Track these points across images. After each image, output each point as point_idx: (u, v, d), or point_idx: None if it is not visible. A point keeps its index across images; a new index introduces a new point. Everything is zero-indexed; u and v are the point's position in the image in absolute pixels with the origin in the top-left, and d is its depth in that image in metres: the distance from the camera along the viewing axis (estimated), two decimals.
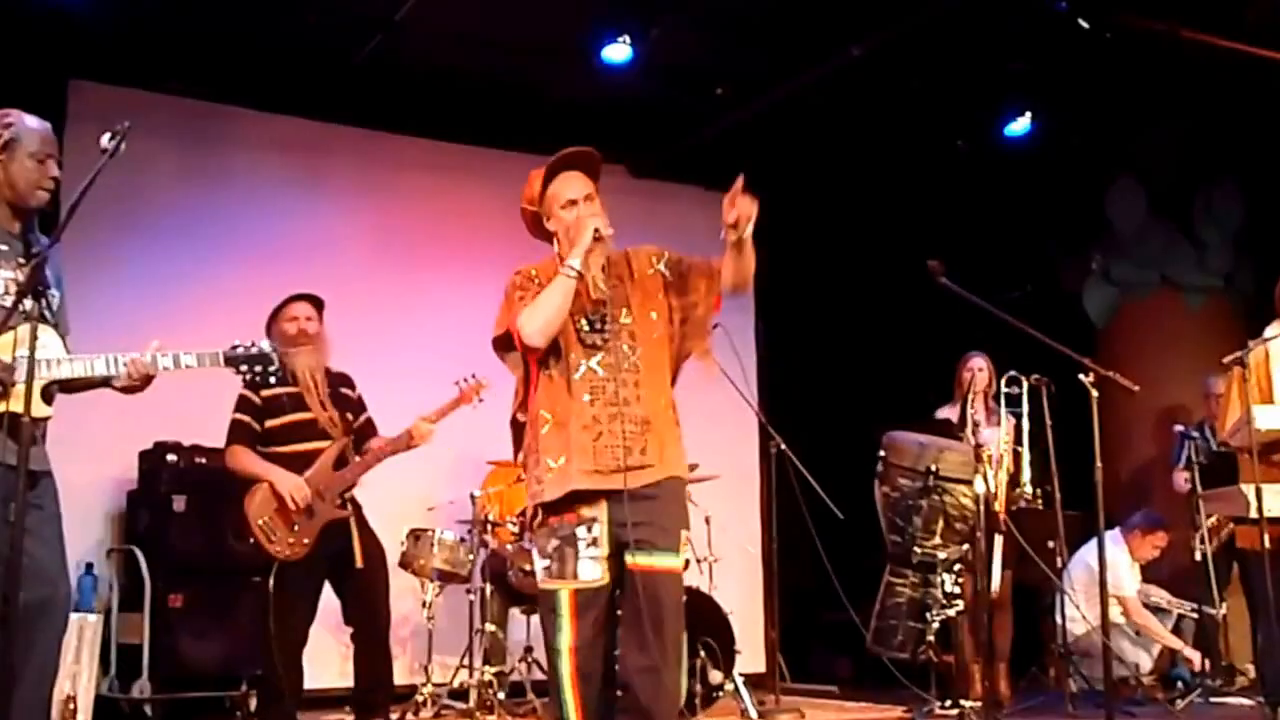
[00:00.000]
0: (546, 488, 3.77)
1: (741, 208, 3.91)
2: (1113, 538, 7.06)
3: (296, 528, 5.22)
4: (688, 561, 3.94)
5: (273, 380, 3.98)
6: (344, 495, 5.38)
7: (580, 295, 3.85)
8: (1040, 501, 7.40)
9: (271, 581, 5.21)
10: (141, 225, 7.30)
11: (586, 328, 3.86)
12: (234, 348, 3.88)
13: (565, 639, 3.72)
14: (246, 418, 5.38)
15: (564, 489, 3.73)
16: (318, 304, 5.63)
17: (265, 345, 3.91)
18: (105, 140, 3.61)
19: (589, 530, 3.73)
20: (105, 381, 3.79)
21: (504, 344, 3.96)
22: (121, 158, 3.63)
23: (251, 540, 5.25)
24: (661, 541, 3.73)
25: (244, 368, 3.89)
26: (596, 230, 3.81)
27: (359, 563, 5.30)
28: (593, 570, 3.72)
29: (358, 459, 5.45)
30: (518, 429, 3.99)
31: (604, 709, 3.72)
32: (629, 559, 3.70)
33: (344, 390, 5.57)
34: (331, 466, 5.35)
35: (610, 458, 3.71)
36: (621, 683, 3.68)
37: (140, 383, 3.79)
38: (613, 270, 3.96)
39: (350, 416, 5.54)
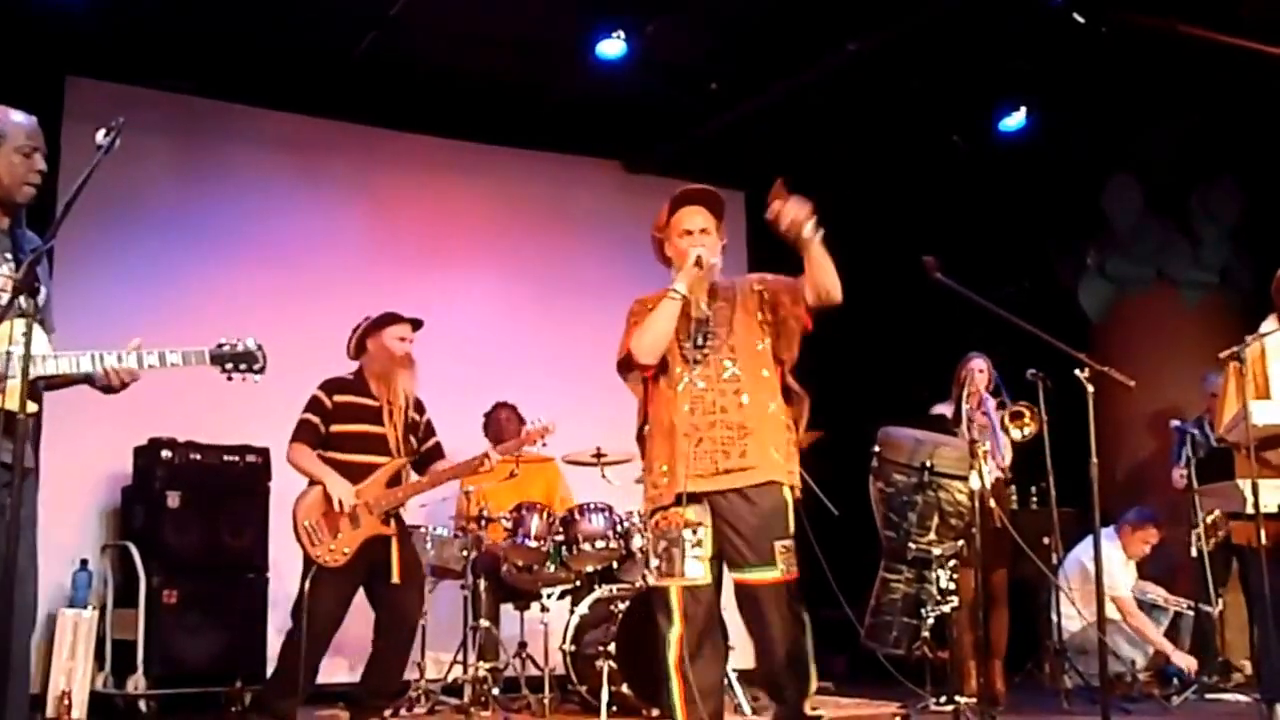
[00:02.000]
0: (661, 493, 4.13)
1: (783, 211, 4.14)
2: (1106, 535, 7.06)
3: (340, 535, 5.27)
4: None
5: (257, 378, 3.98)
6: (390, 512, 5.41)
7: (685, 316, 4.20)
8: (1035, 499, 7.42)
9: (307, 583, 5.24)
10: (137, 222, 7.30)
11: (690, 345, 4.21)
12: (219, 346, 3.87)
13: (674, 631, 4.07)
14: (315, 419, 5.43)
15: (673, 493, 4.06)
16: (418, 327, 5.67)
17: (250, 343, 3.89)
18: (100, 136, 3.59)
19: (694, 533, 4.06)
20: (86, 379, 3.76)
21: (626, 365, 4.35)
22: (117, 154, 3.62)
23: (296, 539, 5.29)
24: (753, 557, 4.05)
25: (229, 365, 3.87)
26: (698, 257, 4.16)
27: (396, 579, 5.35)
28: (697, 569, 4.06)
29: (415, 479, 5.52)
30: (643, 443, 4.36)
31: (706, 697, 4.06)
32: (730, 572, 4.10)
33: (413, 415, 5.63)
34: (385, 483, 5.40)
35: (709, 462, 4.05)
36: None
37: (119, 386, 3.75)
38: (719, 294, 4.32)
39: (414, 440, 5.60)
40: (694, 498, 4.06)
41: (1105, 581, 6.65)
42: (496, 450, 5.64)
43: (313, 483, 5.36)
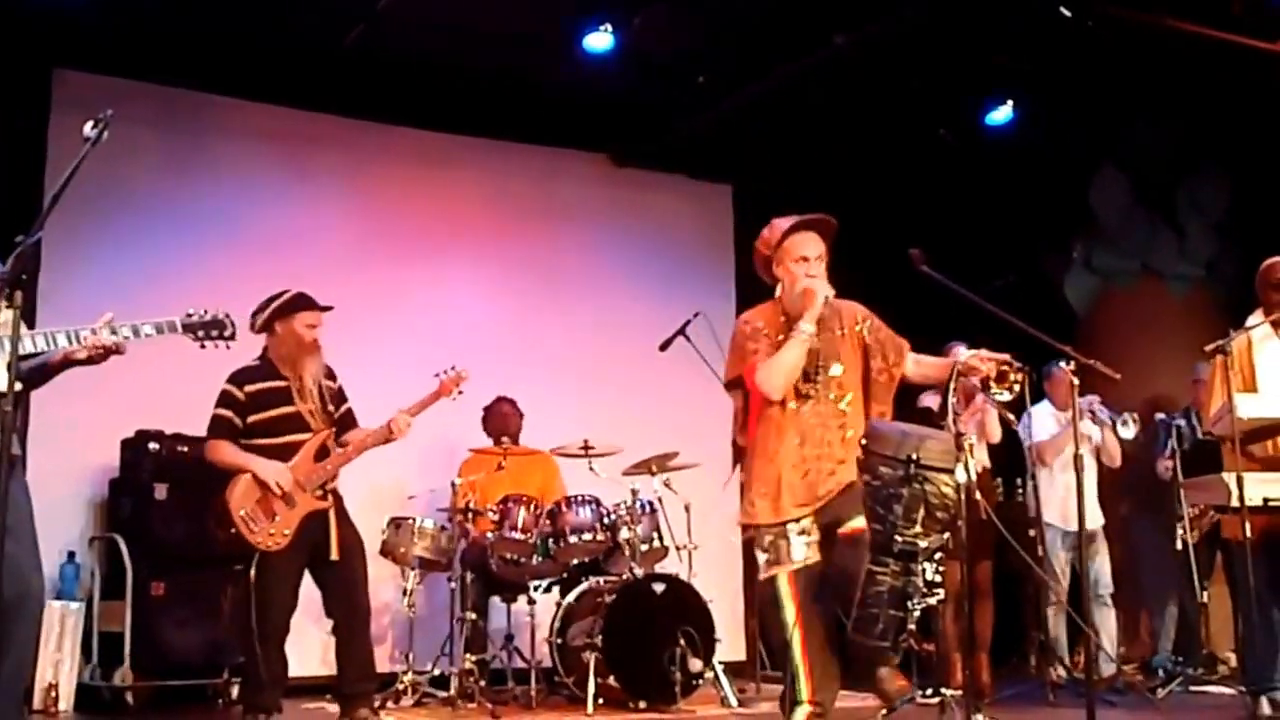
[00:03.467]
0: (759, 513, 4.38)
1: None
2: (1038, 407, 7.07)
3: (278, 518, 5.23)
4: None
5: (228, 345, 4.10)
6: (325, 487, 5.37)
7: None
8: (1021, 492, 7.44)
9: (253, 571, 5.21)
10: (125, 214, 7.28)
11: (802, 378, 4.40)
12: (189, 315, 4.00)
13: (790, 616, 4.27)
14: (228, 412, 5.37)
15: (778, 518, 4.34)
16: (327, 310, 5.61)
17: (220, 313, 4.05)
18: (88, 129, 3.60)
19: (798, 523, 4.33)
20: (66, 361, 3.78)
21: (735, 385, 4.55)
22: (105, 146, 3.63)
23: (233, 530, 5.24)
24: (852, 513, 4.30)
25: (200, 333, 4.05)
26: (826, 299, 4.39)
27: (335, 555, 5.31)
28: (802, 551, 4.32)
29: (338, 450, 5.45)
30: (739, 450, 4.60)
31: (830, 671, 4.32)
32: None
33: (326, 382, 5.56)
34: (313, 458, 5.36)
35: (812, 494, 4.32)
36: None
37: (102, 355, 3.81)
38: (825, 323, 4.47)
39: (331, 409, 5.53)
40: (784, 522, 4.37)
41: (1034, 433, 6.68)
42: (403, 411, 5.50)
43: (239, 472, 5.31)
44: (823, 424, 4.39)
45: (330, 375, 5.62)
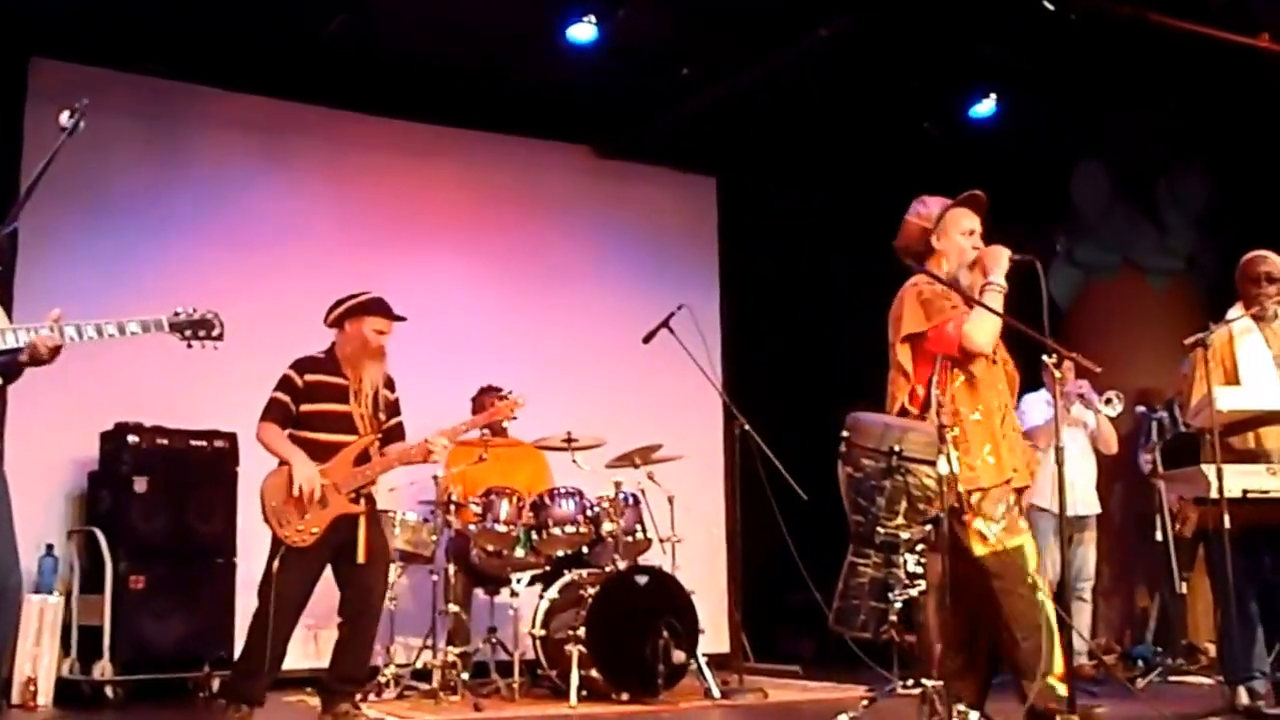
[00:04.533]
0: (981, 475, 4.39)
1: None
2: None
3: (307, 516, 5.23)
4: None
5: (217, 344, 4.02)
6: (360, 491, 5.38)
7: None
8: None
9: (276, 564, 5.21)
10: (102, 204, 7.25)
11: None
12: (176, 314, 3.93)
13: (1040, 589, 4.32)
14: (285, 397, 5.38)
15: (1001, 477, 4.40)
16: (399, 320, 5.62)
17: (208, 311, 3.97)
18: (64, 118, 3.58)
19: (1020, 495, 4.46)
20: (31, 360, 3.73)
21: (913, 339, 4.56)
22: (82, 136, 3.60)
23: (264, 519, 5.26)
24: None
25: (188, 332, 3.96)
26: (1012, 258, 4.52)
27: (361, 558, 5.32)
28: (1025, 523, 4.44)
29: (379, 458, 5.47)
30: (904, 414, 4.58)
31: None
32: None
33: (384, 391, 5.58)
34: (352, 461, 5.37)
35: (1017, 455, 4.47)
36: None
37: (48, 356, 3.73)
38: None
39: (383, 417, 5.54)
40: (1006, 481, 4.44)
41: (1028, 419, 6.68)
42: (443, 433, 5.51)
43: (281, 463, 5.34)
44: (1005, 387, 4.58)
45: (389, 385, 5.63)
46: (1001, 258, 4.54)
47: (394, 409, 5.64)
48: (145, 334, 3.86)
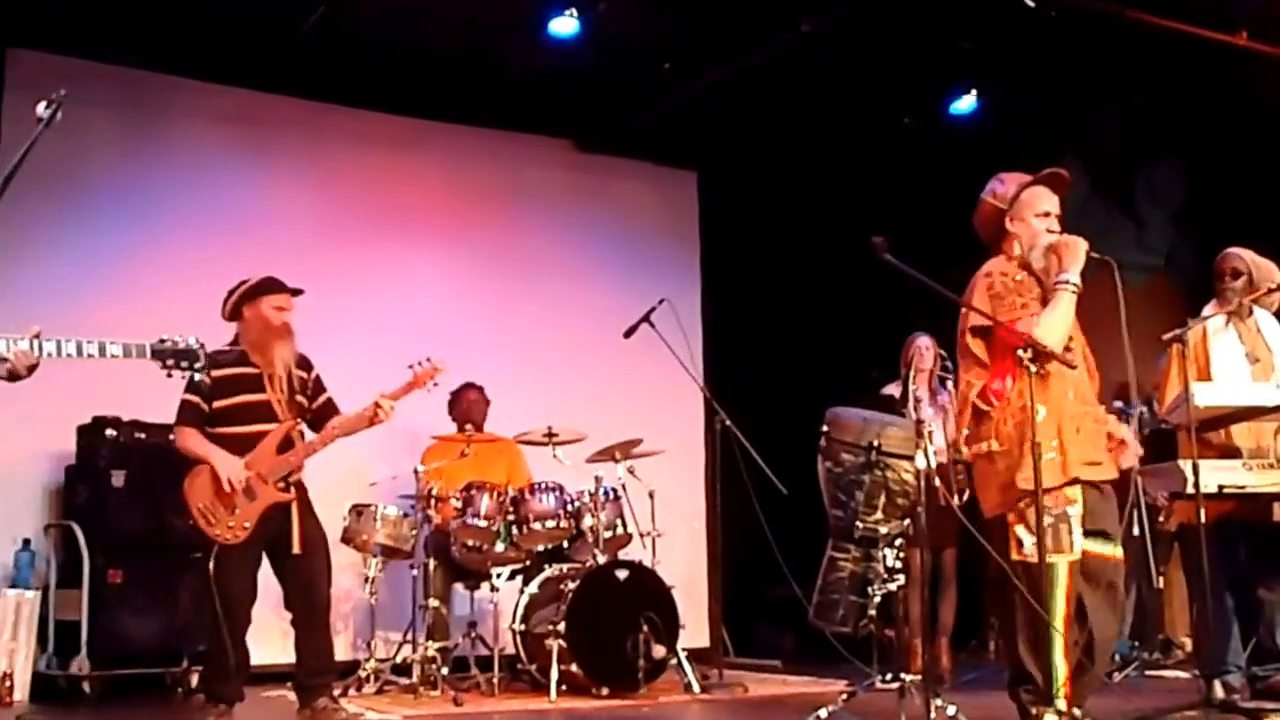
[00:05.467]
0: (1044, 472, 4.12)
1: None
2: None
3: (237, 511, 5.18)
4: None
5: (198, 376, 3.95)
6: (288, 479, 5.33)
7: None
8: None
9: (212, 564, 5.16)
10: (80, 197, 7.20)
11: None
12: (161, 341, 3.86)
13: (1060, 607, 4.08)
14: (195, 398, 5.31)
15: (1065, 477, 4.17)
16: (297, 295, 5.55)
17: (192, 340, 3.90)
18: (41, 109, 3.55)
19: (1074, 509, 4.17)
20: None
21: (983, 332, 4.38)
22: (59, 127, 3.57)
23: (191, 522, 5.21)
24: (1114, 532, 4.29)
25: (170, 362, 3.88)
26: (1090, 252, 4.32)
27: (296, 548, 5.27)
28: (1079, 545, 4.16)
29: (307, 441, 5.41)
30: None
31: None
32: (1093, 545, 4.21)
33: (299, 372, 5.50)
34: (275, 449, 5.31)
35: (1093, 450, 4.19)
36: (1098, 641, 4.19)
37: (25, 374, 3.69)
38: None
39: (304, 400, 5.48)
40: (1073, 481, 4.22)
41: None
42: (386, 396, 5.43)
43: (201, 464, 5.26)
44: (1083, 380, 4.35)
45: (304, 365, 5.55)
46: (1079, 252, 4.36)
47: (318, 387, 5.56)
48: (126, 358, 3.79)
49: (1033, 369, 4.18)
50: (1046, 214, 4.46)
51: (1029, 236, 4.44)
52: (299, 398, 5.46)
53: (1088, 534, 4.25)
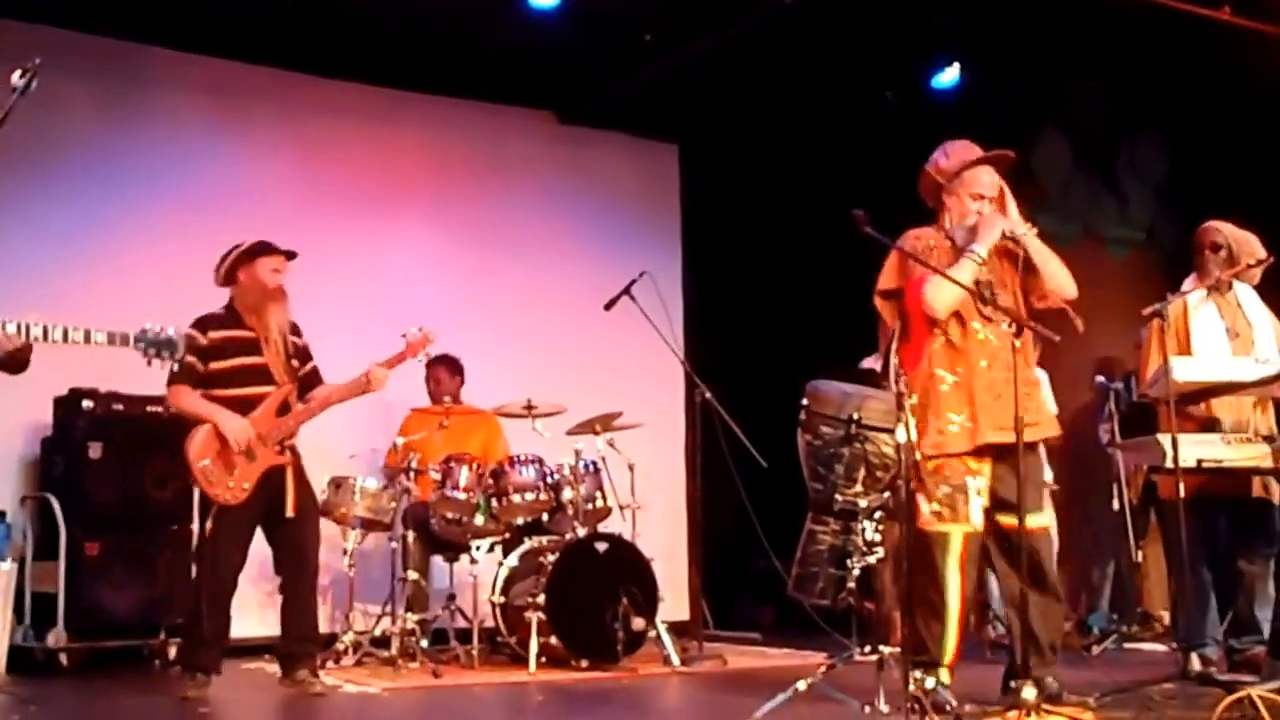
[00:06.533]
0: (950, 440, 4.35)
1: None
2: None
3: (236, 471, 5.20)
4: None
5: (175, 366, 4.01)
6: (284, 443, 5.33)
7: None
8: None
9: (208, 524, 5.18)
10: (55, 167, 7.13)
11: (981, 301, 4.41)
12: (144, 330, 3.94)
13: (954, 578, 4.30)
14: (192, 358, 5.28)
15: (973, 443, 4.33)
16: (292, 258, 5.58)
17: (172, 331, 3.98)
18: (16, 78, 3.52)
19: (976, 481, 4.33)
20: None
21: (891, 296, 4.59)
22: (34, 98, 3.54)
23: (192, 483, 5.22)
24: (1034, 503, 4.33)
25: (151, 351, 3.96)
26: (1005, 232, 4.44)
27: (290, 512, 5.28)
28: (979, 517, 4.33)
29: (301, 405, 5.40)
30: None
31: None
32: (1005, 519, 4.33)
33: (292, 338, 5.52)
34: (275, 412, 5.32)
35: (1008, 416, 4.13)
36: (1017, 612, 4.23)
37: (9, 361, 3.71)
38: (992, 255, 4.54)
39: (296, 364, 5.49)
40: (984, 449, 4.35)
41: None
42: (379, 365, 5.48)
43: (201, 423, 5.26)
44: (1005, 346, 4.32)
45: (295, 331, 5.58)
46: (993, 230, 4.46)
47: (305, 354, 5.59)
48: (110, 346, 3.89)
49: (939, 338, 4.43)
50: (980, 196, 4.57)
51: (959, 214, 4.57)
52: (293, 361, 5.47)
53: (999, 506, 4.36)
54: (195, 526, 6.58)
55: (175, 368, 4.06)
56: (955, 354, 4.44)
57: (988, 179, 4.60)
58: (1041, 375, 7.28)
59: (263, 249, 5.48)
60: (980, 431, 4.33)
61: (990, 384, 4.37)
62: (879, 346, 6.82)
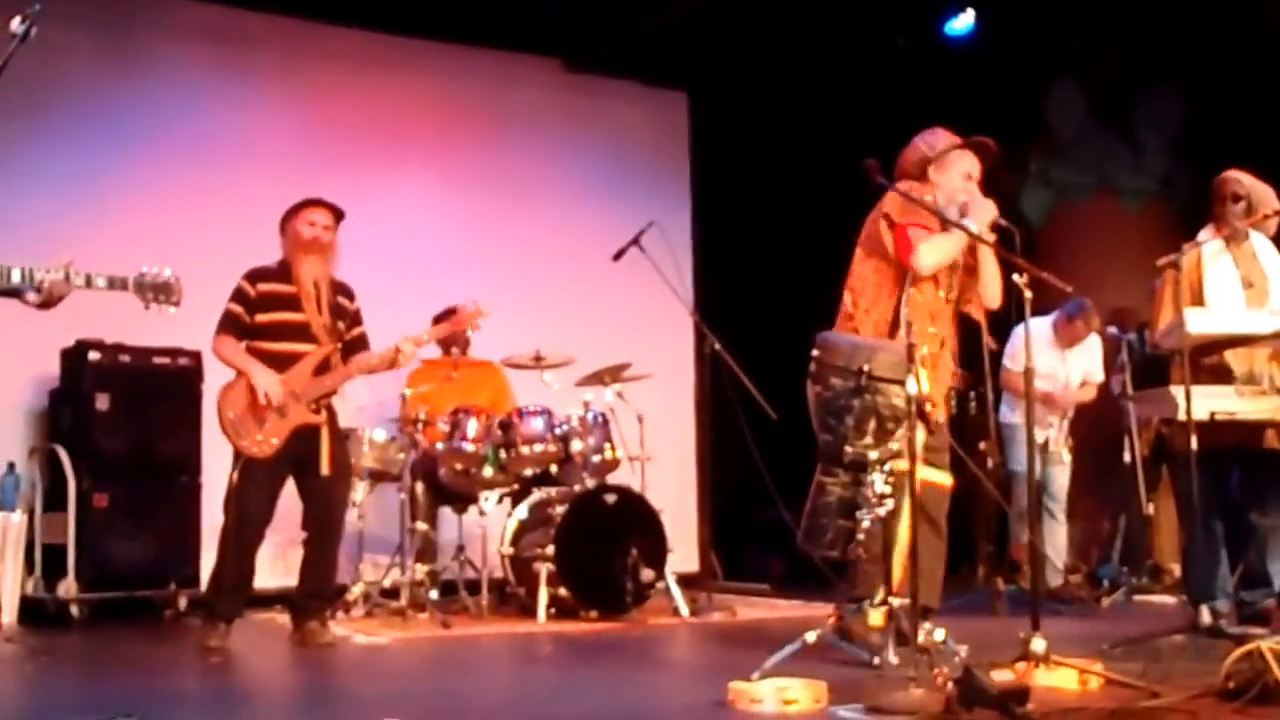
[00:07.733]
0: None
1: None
2: (1043, 321, 7.12)
3: (266, 425, 5.20)
4: None
5: (173, 309, 4.02)
6: (321, 401, 5.33)
7: None
8: (974, 404, 7.46)
9: (235, 475, 5.18)
10: (55, 115, 7.08)
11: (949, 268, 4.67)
12: (142, 274, 3.95)
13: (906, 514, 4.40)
14: (239, 308, 5.34)
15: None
16: (338, 214, 5.55)
17: (168, 273, 3.98)
18: (15, 25, 3.47)
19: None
20: (15, 293, 3.71)
21: (880, 246, 4.72)
22: (33, 45, 3.48)
23: (222, 432, 5.22)
24: (943, 463, 4.70)
25: (149, 294, 3.98)
26: (993, 222, 4.51)
27: (325, 470, 5.29)
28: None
29: (340, 368, 5.38)
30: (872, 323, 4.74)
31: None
32: (931, 475, 4.57)
33: (341, 300, 5.52)
34: (312, 371, 5.32)
35: (948, 376, 4.61)
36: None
37: (55, 302, 3.74)
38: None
39: (343, 326, 5.48)
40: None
41: (1012, 353, 6.65)
42: (410, 339, 5.48)
43: (238, 374, 5.27)
44: (945, 310, 4.68)
45: (349, 294, 5.58)
46: (985, 211, 4.55)
47: (355, 319, 5.57)
48: (110, 290, 3.88)
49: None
50: (970, 176, 4.73)
51: (949, 190, 4.68)
52: (340, 324, 5.45)
53: (937, 466, 4.65)
54: (204, 478, 6.66)
55: (171, 311, 4.07)
56: (918, 309, 4.51)
57: (972, 165, 4.77)
58: (1094, 339, 7.31)
59: (306, 203, 5.49)
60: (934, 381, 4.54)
61: (937, 340, 4.61)
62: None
